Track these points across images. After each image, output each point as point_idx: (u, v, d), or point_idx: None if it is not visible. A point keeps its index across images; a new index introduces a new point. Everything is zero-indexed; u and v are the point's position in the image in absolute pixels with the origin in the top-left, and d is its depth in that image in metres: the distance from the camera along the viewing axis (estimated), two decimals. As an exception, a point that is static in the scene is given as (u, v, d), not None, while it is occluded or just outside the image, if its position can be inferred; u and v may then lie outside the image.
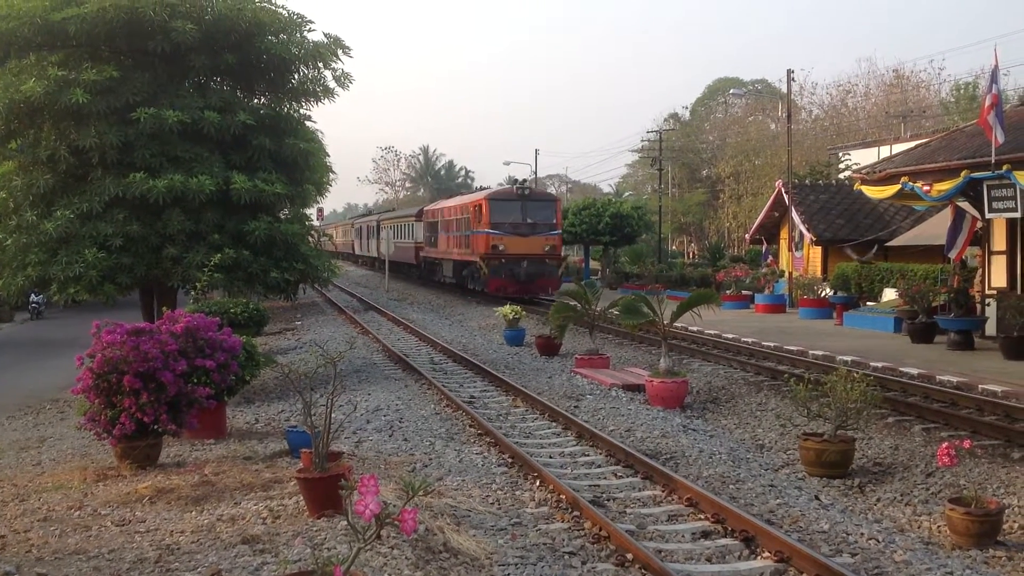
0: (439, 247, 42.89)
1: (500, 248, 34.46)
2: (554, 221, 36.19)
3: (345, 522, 6.47)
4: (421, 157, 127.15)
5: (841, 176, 42.45)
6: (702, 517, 9.32)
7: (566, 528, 9.02)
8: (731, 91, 76.20)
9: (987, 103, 17.88)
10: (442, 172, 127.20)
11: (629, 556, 8.14)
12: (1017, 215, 17.83)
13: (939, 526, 9.21)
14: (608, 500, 10.06)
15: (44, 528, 8.45)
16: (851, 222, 33.15)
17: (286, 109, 20.82)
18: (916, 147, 23.77)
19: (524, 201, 35.72)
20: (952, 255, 21.37)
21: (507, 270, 34.22)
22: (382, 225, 60.20)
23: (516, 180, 39.53)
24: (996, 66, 18.81)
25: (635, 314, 16.91)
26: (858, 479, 11.02)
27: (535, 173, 67.62)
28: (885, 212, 33.08)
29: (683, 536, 8.87)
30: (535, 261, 34.77)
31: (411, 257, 50.74)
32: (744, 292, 33.77)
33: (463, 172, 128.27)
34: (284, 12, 19.78)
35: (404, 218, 54.75)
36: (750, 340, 21.87)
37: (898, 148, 33.14)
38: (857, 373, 11.38)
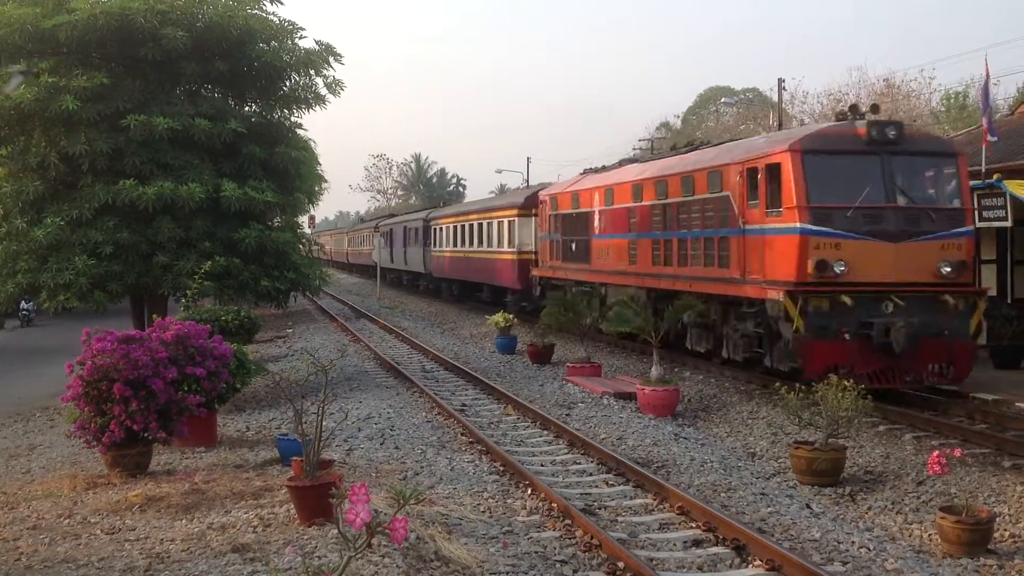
0: (593, 261, 23.66)
1: (836, 269, 14.66)
2: (957, 203, 15.82)
3: (336, 530, 6.46)
4: (413, 165, 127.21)
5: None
6: (693, 525, 9.32)
7: (558, 536, 9.00)
8: (722, 100, 76.47)
9: (984, 118, 18.07)
10: (434, 180, 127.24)
11: (621, 564, 8.14)
12: (1007, 224, 17.92)
13: (930, 534, 9.22)
14: (600, 508, 10.05)
15: (33, 536, 8.42)
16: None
17: (277, 116, 20.82)
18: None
19: (886, 155, 15.31)
20: None
21: (853, 322, 14.51)
22: (434, 225, 42.70)
23: (854, 110, 16.37)
24: (987, 76, 18.95)
25: (625, 322, 16.95)
26: (849, 487, 11.03)
27: (527, 181, 67.67)
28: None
29: (674, 544, 8.87)
30: (922, 303, 14.96)
31: (506, 276, 31.74)
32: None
33: (455, 180, 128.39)
34: (275, 19, 19.84)
35: (487, 213, 35.10)
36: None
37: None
38: (848, 381, 11.39)
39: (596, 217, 23.66)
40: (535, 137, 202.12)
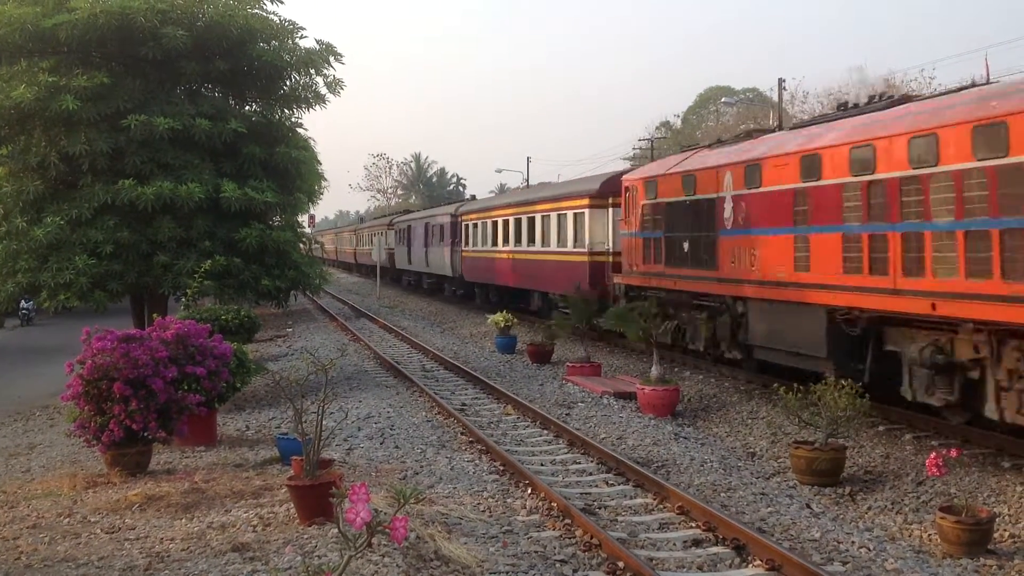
0: (721, 266, 17.40)
1: None
2: None
3: (336, 530, 6.45)
4: (413, 164, 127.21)
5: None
6: (693, 525, 9.32)
7: (557, 536, 9.00)
8: (722, 100, 76.44)
9: None
10: (434, 179, 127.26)
11: (620, 564, 8.14)
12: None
13: (930, 535, 9.22)
14: (599, 508, 10.05)
15: (33, 535, 8.42)
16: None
17: (278, 116, 20.82)
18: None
19: None
20: None
21: None
22: (465, 221, 37.20)
23: None
24: (988, 76, 18.93)
25: (627, 323, 16.92)
26: (849, 487, 11.03)
27: (527, 181, 67.67)
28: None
29: (674, 544, 8.87)
30: None
31: (573, 282, 24.81)
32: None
33: (455, 179, 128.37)
34: (276, 19, 19.84)
35: (546, 204, 28.65)
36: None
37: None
38: (846, 381, 11.38)
39: (728, 205, 17.21)
40: (534, 137, 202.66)
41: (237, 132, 18.73)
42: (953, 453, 9.50)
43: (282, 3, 20.83)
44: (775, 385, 12.80)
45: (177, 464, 11.63)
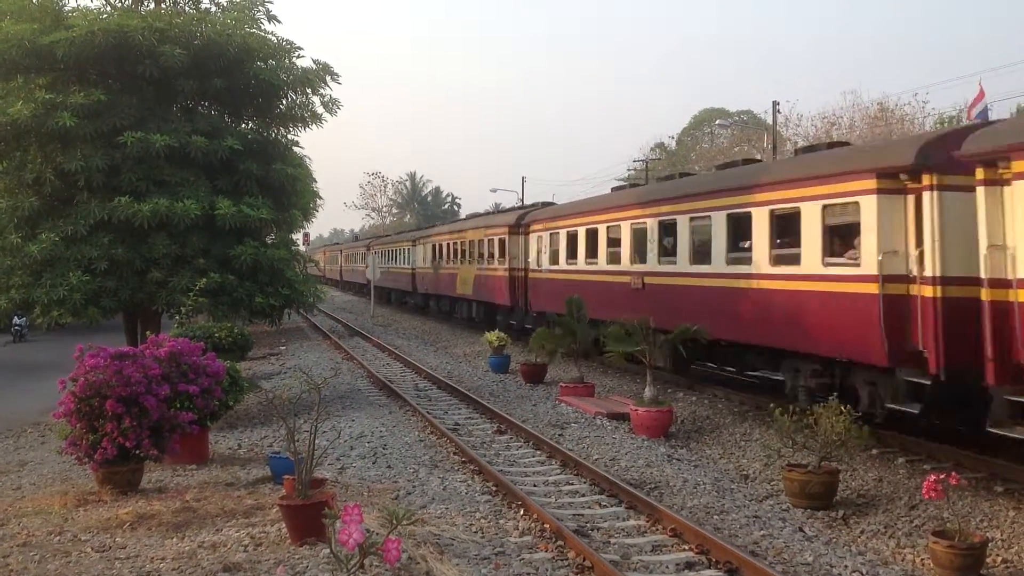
0: None
1: None
2: None
3: (328, 550, 6.43)
4: (408, 183, 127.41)
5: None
6: (686, 548, 9.30)
7: (550, 558, 8.97)
8: (717, 121, 76.80)
9: None
10: (429, 198, 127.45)
11: (613, 587, 8.11)
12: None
13: (923, 559, 9.21)
14: (592, 530, 10.02)
15: (23, 553, 8.38)
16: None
17: (274, 134, 20.91)
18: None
19: None
20: None
21: None
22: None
23: None
24: (982, 95, 19.09)
25: (624, 343, 16.90)
26: (842, 511, 11.02)
27: (522, 200, 67.80)
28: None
29: (667, 567, 8.84)
30: None
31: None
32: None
33: (450, 198, 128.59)
34: (273, 38, 19.94)
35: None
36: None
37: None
38: (844, 406, 11.38)
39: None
40: (531, 158, 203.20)
41: (233, 149, 18.77)
42: (953, 480, 9.49)
43: (279, 23, 20.98)
44: (771, 406, 12.81)
45: (168, 482, 11.58)
